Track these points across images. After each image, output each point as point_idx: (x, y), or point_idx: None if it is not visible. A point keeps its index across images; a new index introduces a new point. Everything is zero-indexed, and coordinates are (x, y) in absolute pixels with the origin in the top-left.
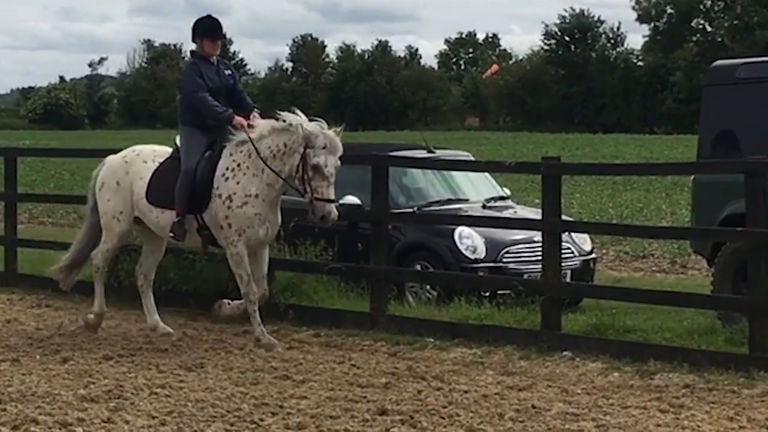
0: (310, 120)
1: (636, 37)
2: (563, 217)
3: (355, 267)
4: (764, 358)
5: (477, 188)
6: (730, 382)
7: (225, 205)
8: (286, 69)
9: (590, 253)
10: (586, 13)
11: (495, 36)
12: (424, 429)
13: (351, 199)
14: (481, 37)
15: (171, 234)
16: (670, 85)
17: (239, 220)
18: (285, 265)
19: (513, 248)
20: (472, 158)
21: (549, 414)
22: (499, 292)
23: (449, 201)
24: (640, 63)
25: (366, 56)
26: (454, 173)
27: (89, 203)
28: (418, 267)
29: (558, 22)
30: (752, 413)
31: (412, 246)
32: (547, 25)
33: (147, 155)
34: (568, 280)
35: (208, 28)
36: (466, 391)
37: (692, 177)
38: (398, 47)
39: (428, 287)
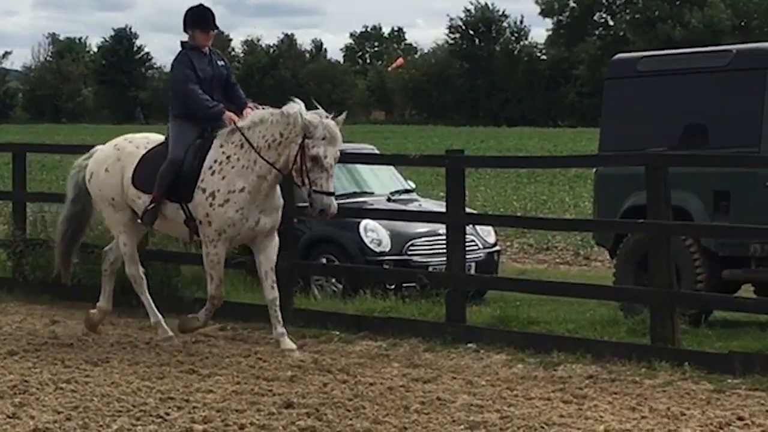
0: (309, 109)
1: (539, 31)
2: (468, 209)
3: None
4: (665, 348)
5: (382, 181)
6: (632, 373)
7: (207, 202)
8: None
9: (494, 245)
10: (490, 7)
11: (400, 29)
12: (329, 422)
13: None
14: (386, 30)
15: (140, 219)
16: (573, 78)
17: (219, 219)
18: (191, 260)
19: (418, 241)
20: (377, 151)
21: (454, 406)
22: (405, 284)
23: (354, 194)
24: (543, 57)
25: (272, 50)
26: (359, 166)
27: (69, 194)
28: (324, 260)
29: (463, 15)
30: (654, 403)
31: (317, 239)
32: (451, 19)
33: (139, 142)
34: (472, 272)
35: (199, 18)
36: (371, 384)
37: (594, 170)
38: (304, 41)
39: (334, 280)
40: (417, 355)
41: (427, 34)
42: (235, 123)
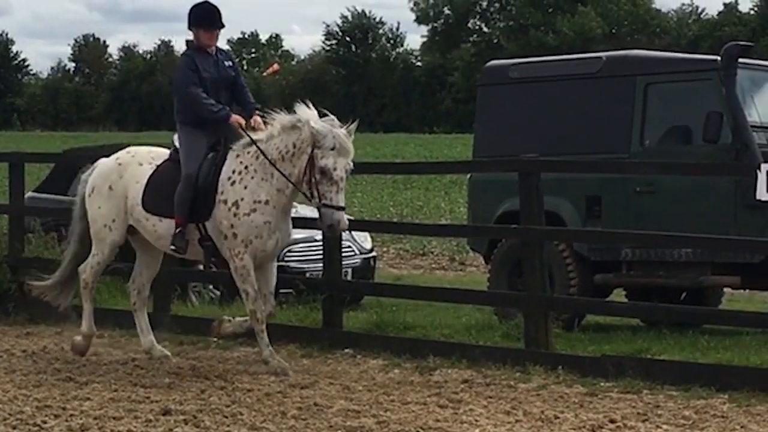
0: (321, 117)
1: (415, 38)
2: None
3: None
4: (539, 352)
5: None
6: (507, 377)
7: (231, 213)
8: (69, 69)
9: (371, 251)
10: (366, 14)
11: (278, 36)
12: (207, 428)
13: None
14: (263, 37)
15: (172, 247)
16: (448, 85)
17: (246, 229)
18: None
19: (295, 247)
20: None
21: (331, 411)
22: (282, 290)
23: None
24: (419, 63)
25: (149, 56)
26: None
27: (76, 211)
28: (201, 267)
29: (339, 22)
30: (528, 407)
31: None
32: (328, 26)
33: (143, 157)
34: (349, 278)
35: (204, 17)
36: (249, 390)
37: (469, 176)
38: (181, 47)
39: (211, 287)
40: (294, 361)
41: (304, 40)
42: (244, 130)
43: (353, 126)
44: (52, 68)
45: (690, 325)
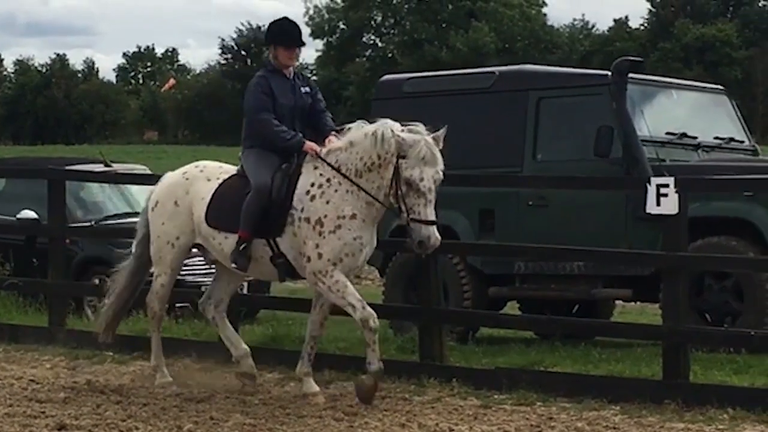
0: (403, 125)
1: (310, 52)
2: None
3: (32, 282)
4: (434, 365)
5: None
6: (402, 390)
7: (315, 231)
8: None
9: None
10: (261, 28)
11: (174, 50)
12: None
13: (28, 214)
14: (159, 51)
15: (233, 265)
16: (343, 99)
17: (334, 248)
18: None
19: (190, 261)
20: (149, 172)
21: (227, 425)
22: (178, 304)
23: (127, 214)
24: (314, 77)
25: (44, 70)
26: (131, 187)
27: (139, 233)
28: (97, 281)
29: (234, 36)
30: (423, 419)
31: (90, 260)
32: (223, 40)
33: (211, 172)
34: (245, 291)
35: (282, 34)
36: (145, 404)
37: None
38: (76, 61)
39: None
40: (190, 375)
41: (200, 54)
42: (319, 155)
43: (442, 132)
44: None
45: (582, 337)
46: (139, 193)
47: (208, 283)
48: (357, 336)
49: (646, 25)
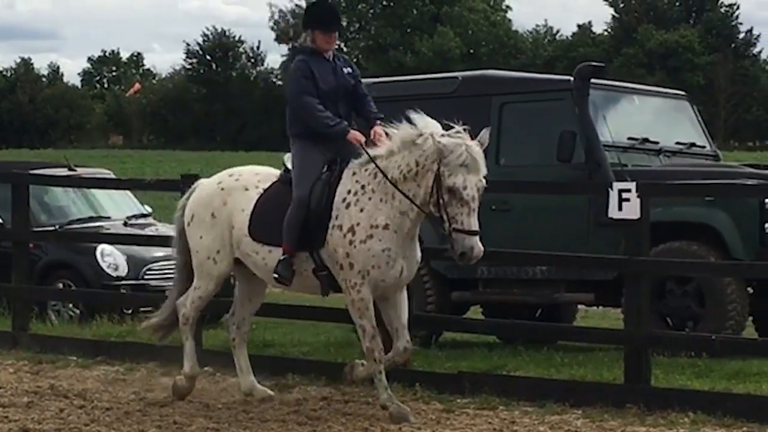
0: (446, 128)
1: (275, 57)
2: None
3: None
4: (397, 369)
5: (118, 206)
6: (365, 394)
7: (346, 240)
8: None
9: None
10: (226, 33)
11: (138, 54)
12: None
13: None
14: (124, 55)
15: (275, 275)
16: None
17: (363, 258)
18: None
19: (155, 265)
20: (113, 176)
21: (190, 429)
22: (142, 309)
23: (91, 219)
24: (279, 82)
25: (8, 74)
26: (96, 191)
27: (176, 243)
28: (61, 285)
29: (199, 41)
30: (386, 424)
31: (54, 264)
32: (188, 44)
33: (248, 180)
34: None
35: (321, 17)
36: (108, 409)
37: None
38: (41, 65)
39: (71, 305)
40: (154, 379)
41: (165, 59)
42: (363, 147)
43: (485, 135)
44: None
45: (545, 341)
46: (103, 197)
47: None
48: (321, 340)
49: (609, 30)
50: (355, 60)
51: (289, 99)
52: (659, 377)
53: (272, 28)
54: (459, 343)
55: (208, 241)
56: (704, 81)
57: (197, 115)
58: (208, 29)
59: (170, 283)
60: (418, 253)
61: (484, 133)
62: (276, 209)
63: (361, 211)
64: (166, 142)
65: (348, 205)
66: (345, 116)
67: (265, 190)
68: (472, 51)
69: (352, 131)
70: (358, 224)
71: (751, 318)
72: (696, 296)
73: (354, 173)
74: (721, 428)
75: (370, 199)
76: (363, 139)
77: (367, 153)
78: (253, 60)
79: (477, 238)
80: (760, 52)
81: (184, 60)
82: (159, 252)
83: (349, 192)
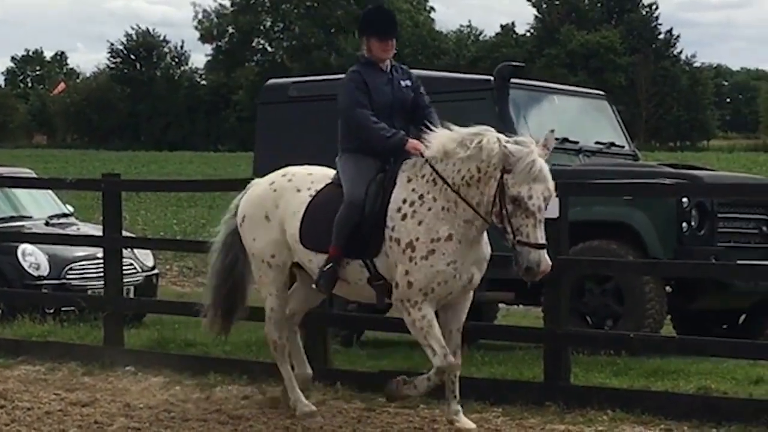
0: (508, 135)
1: (199, 57)
2: (126, 233)
3: None
4: (318, 368)
5: (40, 205)
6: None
7: (406, 256)
8: None
9: (153, 268)
10: (150, 32)
11: (62, 54)
12: None
13: None
14: (48, 54)
15: (314, 285)
16: (232, 103)
17: (425, 276)
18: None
19: (76, 265)
20: (35, 175)
21: (111, 429)
22: (63, 308)
23: (12, 218)
24: (203, 82)
25: None
26: (17, 190)
27: (220, 237)
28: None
29: (123, 40)
30: (307, 422)
31: None
32: (112, 44)
33: (301, 181)
34: (131, 295)
35: (376, 23)
36: (29, 409)
37: None
38: None
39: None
40: (75, 379)
41: (89, 58)
42: (421, 153)
43: (551, 138)
44: None
45: (466, 340)
46: (25, 197)
47: (94, 286)
48: (243, 339)
49: (532, 31)
50: (279, 60)
51: (341, 112)
52: (579, 375)
53: (196, 28)
54: (381, 343)
55: (262, 244)
56: (626, 81)
57: (121, 115)
58: (132, 28)
59: (92, 283)
60: (487, 251)
61: (550, 136)
62: (328, 215)
63: (419, 224)
64: (90, 142)
65: (404, 217)
66: (401, 129)
67: (317, 192)
68: (396, 51)
69: (410, 140)
70: (417, 239)
71: (669, 316)
72: (615, 295)
73: (409, 180)
74: (639, 425)
75: (429, 209)
76: (423, 148)
77: (425, 158)
78: (177, 60)
79: (544, 251)
80: (680, 52)
81: (108, 59)
82: (80, 252)
83: (404, 201)
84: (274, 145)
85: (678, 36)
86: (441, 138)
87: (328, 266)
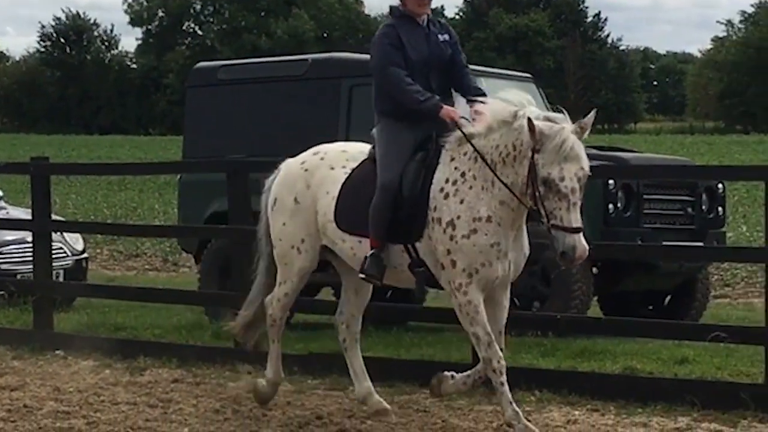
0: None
1: (130, 40)
2: (56, 217)
3: None
4: (245, 351)
5: None
6: (217, 376)
7: (447, 235)
8: None
9: (83, 252)
10: (81, 16)
11: None
12: None
13: None
14: None
15: (362, 276)
16: (163, 87)
17: (468, 255)
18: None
19: (5, 249)
20: None
21: (40, 413)
22: None
23: None
24: (134, 65)
25: None
26: None
27: (261, 227)
28: None
29: (54, 23)
30: (237, 405)
31: None
32: (42, 27)
33: (334, 159)
34: (60, 279)
35: None
36: None
37: (179, 177)
38: None
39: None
40: (5, 363)
41: (19, 41)
42: (459, 126)
43: (591, 118)
44: None
45: (395, 322)
46: None
47: (23, 271)
48: (173, 323)
49: (461, 14)
50: (209, 43)
51: (373, 70)
52: (506, 356)
53: (126, 11)
54: (310, 325)
55: (291, 228)
56: (554, 64)
57: (51, 99)
58: (62, 12)
59: (22, 267)
60: (527, 246)
61: (591, 116)
62: (365, 193)
63: (461, 202)
64: (20, 126)
65: (447, 196)
66: (439, 90)
67: (353, 170)
68: (326, 34)
69: (445, 107)
70: (458, 217)
71: (595, 298)
72: (542, 277)
73: (452, 158)
74: (566, 406)
75: (471, 188)
76: (458, 116)
77: (463, 132)
78: (107, 43)
79: (579, 235)
80: (607, 36)
81: (38, 43)
82: (10, 236)
83: (447, 181)
84: (204, 128)
85: (606, 19)
86: (487, 114)
87: (372, 254)
